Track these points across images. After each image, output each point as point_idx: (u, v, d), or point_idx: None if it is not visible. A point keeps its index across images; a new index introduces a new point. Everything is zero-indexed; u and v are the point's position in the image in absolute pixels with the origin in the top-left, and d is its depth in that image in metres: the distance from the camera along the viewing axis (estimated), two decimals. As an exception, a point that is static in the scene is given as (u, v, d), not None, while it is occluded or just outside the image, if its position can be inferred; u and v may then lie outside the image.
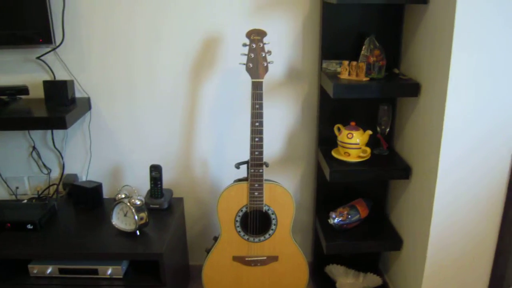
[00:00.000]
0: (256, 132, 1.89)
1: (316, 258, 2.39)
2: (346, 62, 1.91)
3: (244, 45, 1.85)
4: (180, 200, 2.26)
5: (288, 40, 2.10)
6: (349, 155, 1.98)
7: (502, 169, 1.72)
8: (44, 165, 2.28)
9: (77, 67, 2.11)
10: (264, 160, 1.93)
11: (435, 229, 1.79)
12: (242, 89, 2.16)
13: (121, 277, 1.90)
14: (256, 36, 1.83)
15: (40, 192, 2.30)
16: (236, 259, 2.06)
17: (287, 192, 1.98)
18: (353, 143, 1.95)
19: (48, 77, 2.12)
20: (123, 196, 1.93)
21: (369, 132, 1.97)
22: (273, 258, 2.07)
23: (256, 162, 1.92)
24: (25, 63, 2.10)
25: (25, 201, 2.21)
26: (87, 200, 2.15)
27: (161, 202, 2.12)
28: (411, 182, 1.98)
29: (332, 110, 2.11)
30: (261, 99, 1.86)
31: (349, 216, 2.08)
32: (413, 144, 1.94)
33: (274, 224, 2.01)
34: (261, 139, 1.89)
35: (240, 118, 2.21)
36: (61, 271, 1.88)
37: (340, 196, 2.24)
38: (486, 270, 1.87)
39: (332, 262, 2.36)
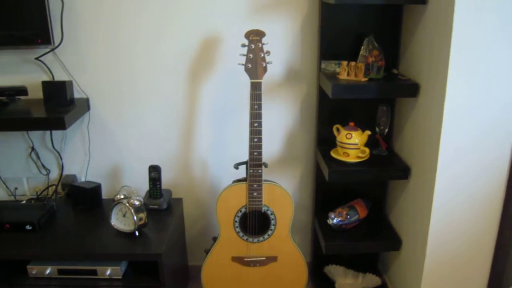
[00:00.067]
0: (255, 132, 1.89)
1: (315, 259, 2.39)
2: (345, 63, 1.91)
3: (243, 45, 1.85)
4: (179, 200, 2.26)
5: (287, 40, 2.10)
6: (348, 155, 1.98)
7: (500, 169, 1.72)
8: (43, 166, 2.28)
9: (76, 67, 2.11)
10: (263, 160, 1.93)
11: (434, 229, 1.79)
12: (241, 90, 2.16)
13: (120, 277, 1.90)
14: (255, 37, 1.83)
15: (39, 193, 2.30)
16: (235, 259, 2.06)
17: (286, 192, 1.98)
18: (352, 144, 1.95)
19: (47, 78, 2.12)
20: (122, 196, 1.93)
21: (368, 132, 1.97)
22: (272, 259, 2.07)
23: (255, 163, 1.92)
24: (24, 63, 2.10)
25: (24, 201, 2.21)
26: (86, 200, 2.15)
27: (160, 203, 2.12)
28: (410, 182, 1.98)
29: (331, 111, 2.11)
30: (260, 99, 1.86)
31: (348, 217, 2.08)
32: (412, 144, 1.94)
33: (273, 225, 2.01)
34: (260, 140, 1.90)
35: (239, 118, 2.21)
36: (60, 271, 1.88)
37: (339, 197, 2.24)
38: (485, 268, 1.87)
39: (331, 262, 2.36)
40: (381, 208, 2.30)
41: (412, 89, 1.85)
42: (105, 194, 2.29)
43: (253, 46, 1.84)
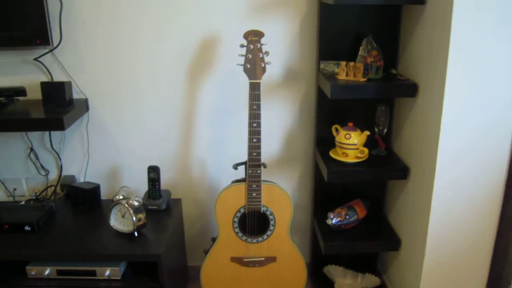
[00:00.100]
0: (254, 133, 1.89)
1: (315, 259, 2.39)
2: (343, 63, 1.91)
3: (242, 46, 1.85)
4: (178, 201, 2.26)
5: (286, 41, 2.10)
6: (347, 155, 1.98)
7: (499, 168, 1.72)
8: (42, 167, 2.28)
9: (75, 68, 2.11)
10: (262, 161, 1.93)
11: (433, 229, 1.79)
12: (239, 90, 2.16)
13: (119, 278, 1.90)
14: (253, 37, 1.83)
15: (38, 194, 2.30)
16: (234, 260, 2.06)
17: (285, 192, 1.98)
18: (351, 144, 1.95)
19: (45, 79, 2.12)
20: (121, 197, 1.93)
21: (367, 132, 1.97)
22: (271, 259, 2.07)
23: (254, 163, 1.92)
24: (23, 64, 2.10)
25: (23, 202, 2.21)
26: (85, 201, 2.15)
27: (159, 203, 2.12)
28: (409, 182, 1.98)
29: (329, 111, 2.11)
30: (258, 100, 1.86)
31: (347, 217, 2.08)
32: (411, 144, 1.94)
33: (272, 225, 2.01)
34: (259, 140, 1.90)
35: (237, 119, 2.21)
36: (59, 272, 1.88)
37: (338, 197, 2.24)
38: (484, 268, 1.87)
39: (331, 262, 2.36)
40: (380, 208, 2.30)
41: (411, 89, 1.85)
42: (104, 194, 2.29)
43: (251, 46, 1.84)
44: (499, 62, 1.57)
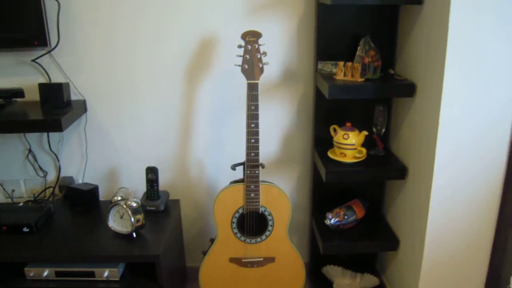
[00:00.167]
0: (252, 133, 1.89)
1: (313, 259, 2.39)
2: (341, 63, 1.91)
3: (240, 46, 1.85)
4: (177, 202, 2.26)
5: (283, 41, 2.10)
6: (345, 155, 1.98)
7: (497, 167, 1.72)
8: (40, 168, 2.28)
9: (73, 69, 2.11)
10: (260, 161, 1.93)
11: (432, 229, 1.80)
12: (237, 91, 2.16)
13: (117, 279, 1.89)
14: (251, 38, 1.84)
15: (36, 195, 2.29)
16: (233, 260, 2.06)
17: (283, 193, 1.99)
18: (349, 144, 1.95)
19: (43, 80, 2.12)
20: (119, 198, 1.93)
21: (365, 132, 1.97)
22: (270, 259, 2.07)
23: (252, 164, 1.92)
24: (20, 65, 2.10)
25: (21, 204, 2.20)
26: (83, 202, 2.14)
27: (157, 204, 2.12)
28: (407, 182, 1.98)
29: (327, 111, 2.11)
30: (256, 100, 1.86)
31: (346, 217, 2.08)
32: (409, 144, 1.94)
33: (271, 225, 2.01)
34: (257, 140, 1.90)
35: (236, 119, 2.21)
36: (58, 274, 1.88)
37: (336, 197, 2.24)
38: (482, 268, 1.87)
39: (329, 262, 2.36)
40: (379, 208, 2.30)
41: (409, 89, 1.86)
42: (102, 196, 2.29)
43: (249, 47, 1.84)
44: (497, 62, 1.58)
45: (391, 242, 2.09)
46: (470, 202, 1.76)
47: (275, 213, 2.00)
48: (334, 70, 2.00)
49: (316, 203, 2.26)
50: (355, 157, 1.99)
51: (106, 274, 1.87)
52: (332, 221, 2.07)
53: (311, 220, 2.31)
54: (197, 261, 2.26)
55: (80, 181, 2.30)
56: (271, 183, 2.00)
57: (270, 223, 2.01)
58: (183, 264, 2.39)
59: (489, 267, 1.87)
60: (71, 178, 2.28)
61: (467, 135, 1.67)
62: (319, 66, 2.03)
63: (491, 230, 1.81)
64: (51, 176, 2.30)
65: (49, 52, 2.07)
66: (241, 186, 1.96)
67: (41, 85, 2.00)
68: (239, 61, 1.86)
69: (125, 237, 1.91)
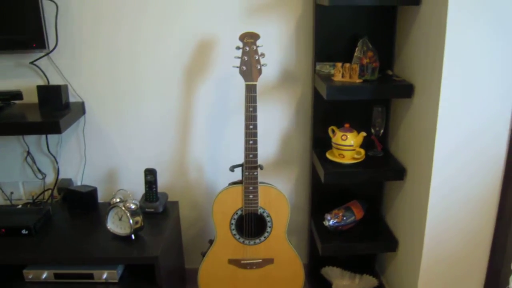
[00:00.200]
0: (250, 135, 1.89)
1: (312, 260, 2.39)
2: (339, 64, 1.91)
3: (238, 48, 1.85)
4: (175, 203, 2.26)
5: (282, 42, 2.10)
6: (343, 156, 1.98)
7: (496, 168, 1.72)
8: (39, 170, 2.28)
9: (71, 71, 2.11)
10: (259, 162, 1.93)
11: (430, 229, 1.80)
12: (236, 92, 2.16)
13: (116, 281, 1.89)
14: (249, 39, 1.84)
15: (35, 197, 2.29)
16: (232, 262, 2.06)
17: (282, 194, 1.99)
18: (347, 145, 1.96)
19: (42, 82, 2.12)
20: (118, 200, 1.93)
21: (363, 133, 1.97)
22: (269, 261, 2.07)
23: (250, 165, 1.92)
24: (19, 68, 2.10)
25: (20, 206, 2.20)
26: (82, 204, 2.14)
27: (156, 206, 2.12)
28: (406, 183, 1.98)
29: (326, 112, 2.11)
30: (255, 102, 1.86)
31: (344, 218, 2.08)
32: (408, 145, 1.95)
33: (269, 227, 2.01)
34: (255, 142, 1.90)
35: (234, 121, 2.21)
36: (57, 276, 1.88)
37: (335, 198, 2.24)
38: (482, 268, 1.87)
39: (328, 264, 2.37)
40: (377, 209, 2.30)
41: (407, 90, 1.86)
42: (101, 197, 2.29)
43: (247, 48, 1.84)
44: (495, 62, 1.58)
45: (390, 243, 2.09)
46: (469, 202, 1.77)
47: (274, 215, 2.00)
48: (332, 71, 2.00)
49: (315, 204, 2.26)
50: (354, 158, 1.99)
51: (105, 276, 1.87)
52: (331, 222, 2.07)
53: (309, 221, 2.31)
54: (196, 263, 2.26)
55: (79, 183, 2.30)
56: (270, 184, 2.00)
57: (268, 224, 2.01)
58: (182, 266, 2.39)
59: (488, 267, 1.87)
60: (69, 180, 2.28)
61: (465, 136, 1.67)
62: (317, 67, 2.03)
63: (490, 230, 1.81)
64: (50, 178, 2.30)
65: (47, 54, 2.07)
66: (239, 188, 1.96)
67: (39, 87, 2.00)
68: (237, 62, 1.86)
69: (124, 239, 1.91)
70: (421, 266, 1.85)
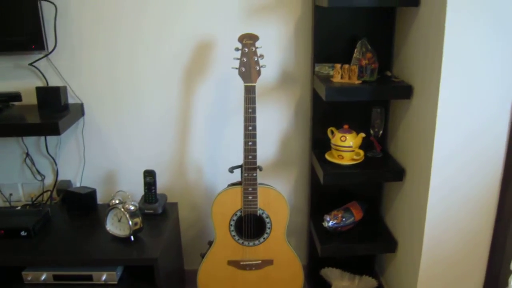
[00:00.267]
0: (250, 136, 1.89)
1: (311, 261, 2.39)
2: (338, 65, 1.91)
3: (237, 49, 1.85)
4: (175, 205, 2.25)
5: (281, 44, 2.10)
6: (342, 158, 1.98)
7: (495, 168, 1.72)
8: (38, 172, 2.28)
9: (70, 73, 2.11)
10: (258, 164, 1.93)
11: (430, 230, 1.80)
12: (235, 93, 2.17)
13: (115, 283, 1.89)
14: (248, 40, 1.84)
15: (34, 199, 2.29)
16: (231, 263, 2.06)
17: (281, 195, 1.99)
18: (347, 146, 1.96)
19: (41, 84, 2.12)
20: (117, 201, 1.93)
21: (362, 134, 1.97)
22: (268, 262, 2.07)
23: (249, 166, 1.92)
24: (18, 69, 2.10)
25: (19, 207, 2.20)
26: (81, 206, 2.14)
27: (155, 207, 2.12)
28: (405, 184, 1.98)
29: (325, 113, 2.11)
30: (254, 103, 1.86)
31: (344, 219, 2.08)
32: (407, 146, 1.95)
33: (269, 228, 2.01)
34: (254, 143, 1.90)
35: (233, 122, 2.21)
36: (56, 277, 1.88)
37: (334, 199, 2.24)
38: (481, 269, 1.87)
39: (328, 265, 2.36)
40: (377, 210, 2.30)
41: (406, 91, 1.86)
42: (100, 199, 2.29)
43: (246, 49, 1.84)
44: (494, 63, 1.58)
45: (389, 244, 2.09)
46: (468, 202, 1.77)
47: (273, 216, 2.00)
48: (331, 73, 2.00)
49: (314, 205, 2.26)
50: (353, 159, 1.99)
51: (104, 277, 1.87)
52: (330, 223, 2.07)
53: (309, 222, 2.31)
54: (195, 264, 2.26)
55: (78, 185, 2.30)
56: (269, 185, 2.00)
57: (268, 225, 2.01)
58: (181, 267, 2.38)
59: (488, 268, 1.87)
60: (69, 181, 2.28)
61: (464, 136, 1.67)
62: (316, 68, 2.03)
63: (489, 231, 1.81)
64: (49, 180, 2.30)
65: (46, 55, 2.07)
66: (239, 189, 1.96)
67: (38, 89, 2.00)
68: (236, 64, 1.86)
69: (123, 241, 1.91)
70: (421, 267, 1.85)
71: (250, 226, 2.03)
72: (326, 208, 2.17)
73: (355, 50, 1.91)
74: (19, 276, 1.88)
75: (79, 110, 2.13)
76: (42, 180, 2.29)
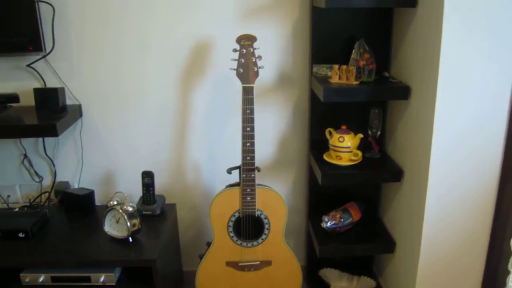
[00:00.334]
0: (248, 137, 1.89)
1: (310, 262, 2.39)
2: (336, 66, 1.92)
3: (234, 50, 1.85)
4: (173, 206, 2.25)
5: (278, 45, 2.10)
6: (340, 158, 1.98)
7: (493, 168, 1.72)
8: (36, 173, 2.27)
9: (68, 74, 2.11)
10: (256, 164, 1.93)
11: (428, 230, 1.80)
12: (233, 94, 2.17)
13: (114, 284, 1.89)
14: (246, 42, 1.84)
15: (32, 200, 2.29)
16: (230, 264, 2.06)
17: (279, 196, 1.98)
18: (345, 147, 1.96)
19: (38, 85, 2.11)
20: (115, 203, 1.93)
21: (360, 135, 1.97)
22: (267, 263, 2.07)
23: (248, 167, 1.92)
24: (15, 70, 2.09)
25: (17, 209, 2.20)
26: (79, 207, 2.14)
27: (153, 208, 2.11)
28: (403, 184, 1.98)
29: (323, 114, 2.11)
30: (252, 104, 1.86)
31: (342, 220, 2.08)
32: (404, 146, 1.95)
33: (267, 229, 2.01)
34: (252, 144, 1.90)
35: (231, 123, 2.21)
36: (54, 279, 1.87)
37: (332, 200, 2.24)
38: (479, 268, 1.88)
39: (326, 265, 2.36)
40: (375, 210, 2.30)
41: (404, 92, 1.86)
42: (98, 200, 2.28)
43: (244, 51, 1.84)
44: (491, 63, 1.58)
45: (388, 244, 2.10)
46: (467, 202, 1.77)
47: (272, 217, 2.00)
48: (329, 73, 2.01)
49: (312, 206, 2.26)
50: (351, 160, 1.99)
51: (102, 279, 1.87)
52: (329, 224, 2.07)
53: (307, 223, 2.32)
54: (194, 265, 2.25)
55: (76, 186, 2.29)
56: (267, 186, 2.00)
57: (266, 226, 2.01)
58: (180, 268, 2.38)
59: (486, 267, 1.88)
60: (66, 183, 2.28)
61: (462, 137, 1.67)
62: (314, 69, 2.04)
63: (487, 231, 1.82)
64: (47, 181, 2.29)
65: (44, 57, 2.07)
66: (237, 190, 1.96)
67: (36, 90, 2.00)
68: (234, 65, 1.86)
69: (121, 242, 1.91)
70: (419, 267, 1.85)
71: (249, 227, 2.03)
72: (324, 209, 2.17)
73: (353, 51, 1.92)
74: (17, 278, 1.88)
75: (77, 112, 2.12)
76: (40, 181, 2.29)
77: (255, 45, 1.85)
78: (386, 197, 2.21)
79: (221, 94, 2.17)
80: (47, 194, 2.29)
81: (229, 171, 1.99)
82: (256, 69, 1.86)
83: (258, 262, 2.06)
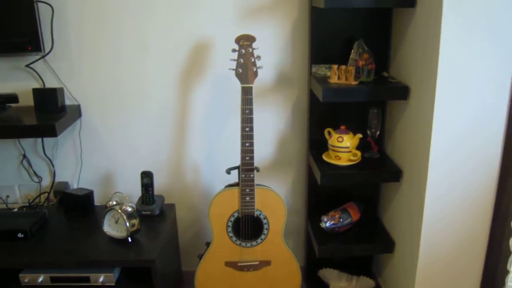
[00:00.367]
0: (247, 137, 1.89)
1: (309, 262, 2.39)
2: (335, 66, 1.92)
3: (233, 50, 1.85)
4: (172, 206, 2.25)
5: (277, 45, 2.11)
6: (339, 158, 1.98)
7: (491, 168, 1.73)
8: (35, 173, 2.27)
9: (67, 74, 2.11)
10: (255, 165, 1.93)
11: (427, 230, 1.80)
12: (232, 95, 2.16)
13: (113, 284, 1.89)
14: (245, 42, 1.84)
15: (31, 200, 2.29)
16: (229, 264, 2.06)
17: (278, 196, 1.99)
18: (344, 147, 1.96)
19: (37, 85, 2.11)
20: (114, 203, 1.93)
21: (359, 135, 1.97)
22: (266, 263, 2.07)
23: (247, 167, 1.92)
24: (14, 71, 2.09)
25: (16, 209, 2.20)
26: (78, 207, 2.14)
27: (152, 209, 2.11)
28: (402, 184, 1.98)
29: (322, 114, 2.11)
30: (251, 104, 1.86)
31: (341, 220, 2.08)
32: (404, 146, 1.95)
33: (266, 229, 2.01)
34: (251, 144, 1.90)
35: (230, 123, 2.21)
36: (53, 279, 1.87)
37: (331, 200, 2.24)
38: (478, 268, 1.88)
39: (325, 265, 2.36)
40: (374, 210, 2.30)
41: (403, 92, 1.86)
42: (97, 200, 2.28)
43: (243, 51, 1.84)
44: (489, 63, 1.58)
45: (387, 244, 2.10)
46: (465, 202, 1.77)
47: (271, 217, 2.00)
48: (328, 73, 2.00)
49: (312, 206, 2.26)
50: (350, 160, 1.99)
51: (101, 279, 1.87)
52: (328, 224, 2.07)
53: (306, 223, 2.31)
54: (193, 265, 2.25)
55: (75, 186, 2.29)
56: (266, 186, 2.00)
57: (265, 226, 2.01)
58: (179, 268, 2.38)
59: (485, 267, 1.88)
60: (66, 183, 2.28)
61: (461, 136, 1.67)
62: (313, 69, 2.04)
63: (486, 230, 1.82)
64: (46, 182, 2.29)
65: (43, 57, 2.07)
66: (236, 190, 1.96)
67: (35, 90, 2.00)
68: (233, 65, 1.86)
69: (121, 242, 1.90)
70: (418, 267, 1.85)
71: (248, 227, 2.03)
72: (323, 209, 2.17)
73: (352, 51, 1.92)
74: (16, 279, 1.88)
75: (76, 112, 2.12)
76: (39, 181, 2.29)
77: (254, 45, 1.85)
78: (385, 197, 2.21)
79: (220, 94, 2.17)
80: (46, 194, 2.29)
81: (228, 171, 1.99)
82: (255, 69, 1.86)
83: (257, 262, 2.06)
